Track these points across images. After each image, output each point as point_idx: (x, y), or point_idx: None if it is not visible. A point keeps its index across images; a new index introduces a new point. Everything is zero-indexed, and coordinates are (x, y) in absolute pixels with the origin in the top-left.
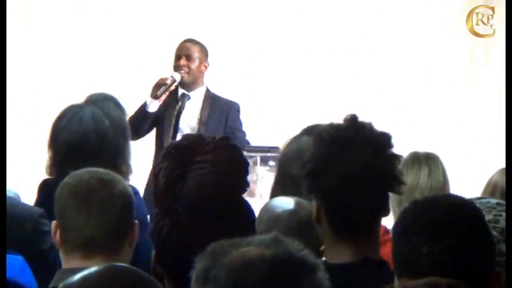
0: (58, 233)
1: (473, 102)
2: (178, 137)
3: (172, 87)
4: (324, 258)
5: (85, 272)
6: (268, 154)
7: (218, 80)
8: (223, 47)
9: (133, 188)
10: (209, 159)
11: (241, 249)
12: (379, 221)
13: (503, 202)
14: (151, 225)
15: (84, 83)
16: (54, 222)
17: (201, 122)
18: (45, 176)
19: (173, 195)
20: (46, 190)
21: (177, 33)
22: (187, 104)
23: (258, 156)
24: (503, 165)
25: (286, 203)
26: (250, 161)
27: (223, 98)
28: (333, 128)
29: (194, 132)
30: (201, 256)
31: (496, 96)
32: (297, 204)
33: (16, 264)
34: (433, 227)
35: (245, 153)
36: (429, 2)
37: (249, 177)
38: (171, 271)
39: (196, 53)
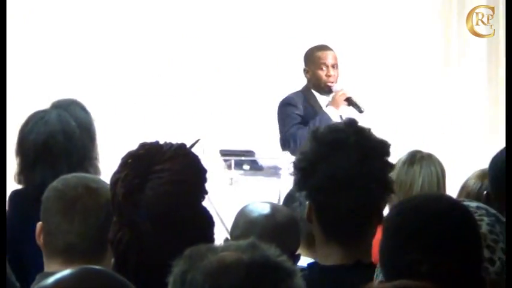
0: (42, 236)
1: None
2: None
3: None
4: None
5: (59, 274)
6: (243, 158)
7: (195, 82)
8: (203, 49)
9: None
10: (167, 168)
11: (219, 253)
12: (371, 225)
13: (484, 206)
14: (110, 234)
15: (77, 86)
16: (39, 224)
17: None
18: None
19: (132, 205)
20: (15, 202)
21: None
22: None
23: (233, 159)
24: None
25: (262, 207)
26: (225, 165)
27: None
28: (329, 128)
29: None
30: (178, 260)
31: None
32: (273, 208)
33: None
34: (433, 246)
35: (220, 156)
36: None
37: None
38: (131, 280)
39: (336, 61)
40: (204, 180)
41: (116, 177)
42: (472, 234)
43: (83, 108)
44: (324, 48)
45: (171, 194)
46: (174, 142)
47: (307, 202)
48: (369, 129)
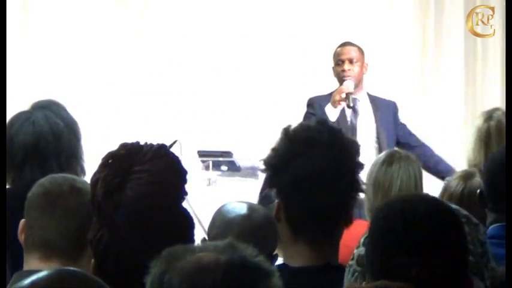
0: (24, 232)
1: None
2: (359, 140)
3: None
4: (281, 260)
5: (35, 276)
6: (221, 159)
7: (173, 83)
8: (183, 50)
9: None
10: (147, 169)
11: (196, 254)
12: (339, 226)
13: (456, 207)
14: (90, 234)
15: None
16: (22, 221)
17: (379, 123)
18: None
19: (112, 205)
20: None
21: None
22: (359, 106)
23: (210, 160)
24: None
25: (239, 207)
26: (202, 166)
27: (381, 98)
28: (301, 127)
29: (373, 134)
30: (156, 261)
31: (497, 97)
32: (250, 209)
33: None
34: (421, 248)
35: (198, 157)
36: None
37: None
38: (111, 281)
39: (356, 55)
40: (184, 181)
41: (96, 177)
42: (458, 236)
43: (64, 109)
44: (343, 44)
45: (151, 195)
46: (154, 143)
47: (276, 200)
48: (341, 129)
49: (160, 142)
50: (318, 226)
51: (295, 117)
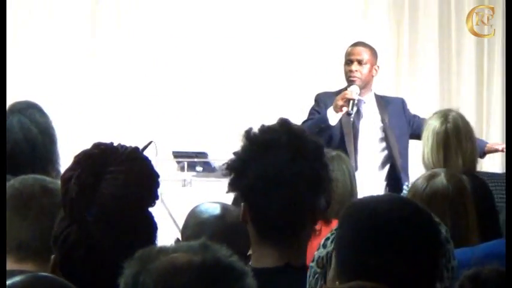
0: None
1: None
2: (361, 143)
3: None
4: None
5: (8, 282)
6: (196, 159)
7: (147, 83)
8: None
9: None
10: (123, 170)
11: (170, 255)
12: (304, 226)
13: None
14: (56, 230)
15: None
16: None
17: (387, 125)
18: None
19: (84, 203)
20: None
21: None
22: (364, 108)
23: (186, 161)
24: None
25: (213, 208)
26: (178, 166)
27: (389, 97)
28: (262, 128)
29: (377, 137)
30: (129, 262)
31: (472, 97)
32: (224, 209)
33: None
34: (388, 249)
35: (173, 158)
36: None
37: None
38: (74, 278)
39: (367, 57)
40: (157, 185)
41: (70, 174)
42: (428, 238)
43: (40, 111)
44: (354, 44)
45: (126, 196)
46: (127, 144)
47: (242, 203)
48: (302, 129)
49: (134, 144)
50: (281, 227)
51: (270, 118)
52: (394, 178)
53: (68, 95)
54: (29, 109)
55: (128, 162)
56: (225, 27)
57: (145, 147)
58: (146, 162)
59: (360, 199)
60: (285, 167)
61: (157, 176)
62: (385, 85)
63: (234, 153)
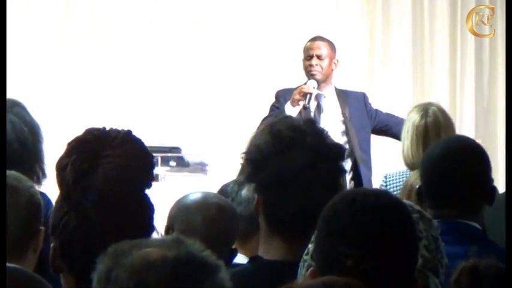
0: None
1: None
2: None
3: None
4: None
5: None
6: (169, 154)
7: (124, 78)
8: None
9: (44, 195)
10: (117, 154)
11: (143, 250)
12: (315, 227)
13: (408, 202)
14: (53, 219)
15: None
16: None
17: (347, 118)
18: None
19: (81, 190)
20: None
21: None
22: (324, 102)
23: (159, 156)
24: None
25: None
26: None
27: (349, 91)
28: (286, 125)
29: (339, 130)
30: (102, 257)
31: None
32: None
33: None
34: (361, 240)
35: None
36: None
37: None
38: (74, 266)
39: (326, 51)
40: (153, 166)
41: (65, 162)
42: (405, 232)
43: (25, 109)
44: (313, 38)
45: (122, 179)
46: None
47: (255, 195)
48: (326, 132)
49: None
50: (293, 226)
51: (243, 114)
52: (355, 171)
53: (44, 92)
54: (15, 107)
55: (122, 145)
56: (198, 21)
57: None
58: (140, 144)
59: (341, 193)
60: (305, 170)
61: (151, 156)
62: (358, 75)
63: (255, 145)
